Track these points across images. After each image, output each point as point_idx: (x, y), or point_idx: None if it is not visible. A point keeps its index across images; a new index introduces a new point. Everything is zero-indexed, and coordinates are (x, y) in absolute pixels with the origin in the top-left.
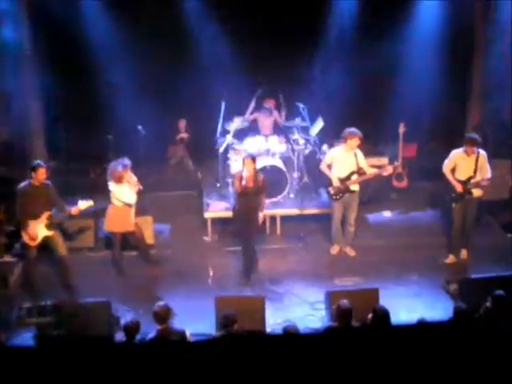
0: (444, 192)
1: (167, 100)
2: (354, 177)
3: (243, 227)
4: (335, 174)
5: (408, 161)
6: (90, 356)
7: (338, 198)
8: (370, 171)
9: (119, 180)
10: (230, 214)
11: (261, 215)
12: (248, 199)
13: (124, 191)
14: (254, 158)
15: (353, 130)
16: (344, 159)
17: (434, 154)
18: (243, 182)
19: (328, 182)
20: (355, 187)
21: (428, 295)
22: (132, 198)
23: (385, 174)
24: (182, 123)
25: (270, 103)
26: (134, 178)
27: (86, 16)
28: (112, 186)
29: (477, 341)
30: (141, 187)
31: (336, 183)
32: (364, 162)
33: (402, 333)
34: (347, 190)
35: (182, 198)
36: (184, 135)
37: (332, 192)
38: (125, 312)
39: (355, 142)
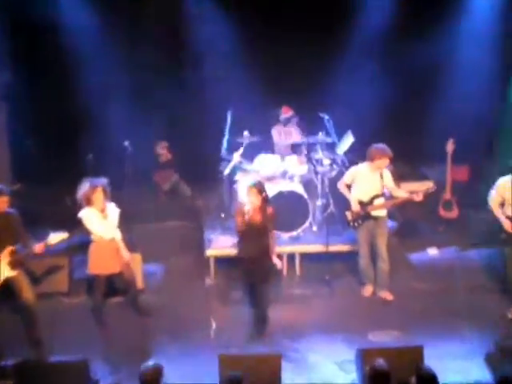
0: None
1: (160, 110)
2: (378, 201)
3: (250, 272)
4: (355, 197)
5: (458, 185)
6: None
7: (356, 225)
8: (399, 194)
9: (88, 202)
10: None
11: (276, 259)
12: (253, 238)
13: (93, 220)
14: (260, 188)
15: (381, 146)
16: (367, 180)
17: (490, 177)
18: (246, 217)
19: (347, 205)
20: (380, 213)
21: (484, 354)
22: (104, 230)
23: (416, 199)
24: (162, 146)
25: (287, 113)
26: (112, 206)
27: (65, 11)
28: (81, 212)
29: None
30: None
31: (355, 207)
32: (391, 184)
33: None
34: (368, 217)
35: (179, 232)
36: (167, 155)
37: (349, 218)
38: (106, 373)
39: (383, 162)
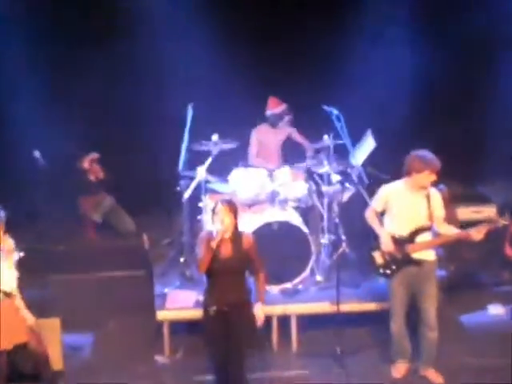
0: None
1: (89, 107)
2: (423, 237)
3: (222, 334)
4: (388, 229)
5: None
6: None
7: (389, 273)
8: (446, 231)
9: None
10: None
11: (259, 312)
12: (226, 281)
13: None
14: (233, 206)
15: (422, 154)
16: (407, 205)
17: None
18: (212, 247)
19: (376, 243)
20: (426, 255)
21: None
22: (5, 280)
23: (475, 238)
24: (90, 158)
25: (275, 107)
26: (10, 242)
27: None
28: None
29: None
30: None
31: (387, 245)
32: (440, 213)
33: None
34: (407, 260)
35: (117, 285)
36: (98, 172)
37: (379, 262)
38: None
39: (426, 177)
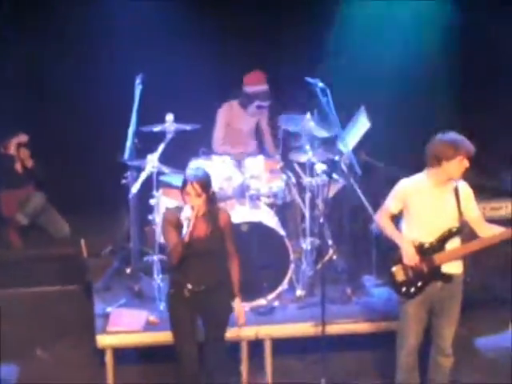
0: None
1: (13, 79)
2: (454, 242)
3: (190, 331)
4: (408, 236)
5: None
6: None
7: (413, 291)
8: (486, 231)
9: None
10: (155, 336)
11: (240, 309)
12: (200, 264)
13: None
14: (204, 181)
15: (452, 136)
16: (432, 203)
17: None
18: (183, 235)
19: (393, 254)
20: (455, 268)
21: None
22: None
23: None
24: (14, 142)
25: (256, 83)
26: None
27: None
28: None
29: None
30: None
31: (411, 257)
32: (475, 210)
33: None
34: (435, 275)
35: (46, 303)
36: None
37: (400, 278)
38: None
39: (460, 163)
